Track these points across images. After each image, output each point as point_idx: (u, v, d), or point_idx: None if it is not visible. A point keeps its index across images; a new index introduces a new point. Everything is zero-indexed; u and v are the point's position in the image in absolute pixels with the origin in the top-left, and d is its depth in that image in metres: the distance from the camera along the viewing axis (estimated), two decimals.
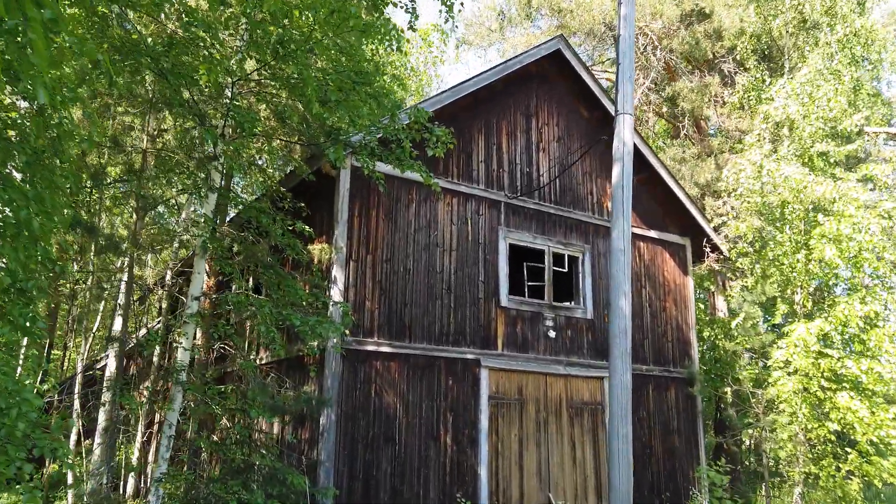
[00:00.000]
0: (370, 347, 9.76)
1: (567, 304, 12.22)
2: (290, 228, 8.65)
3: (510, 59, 11.97)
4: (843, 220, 11.29)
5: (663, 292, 13.68)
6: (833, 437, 11.41)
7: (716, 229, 14.05)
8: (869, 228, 11.34)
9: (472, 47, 22.32)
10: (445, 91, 10.82)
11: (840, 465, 11.44)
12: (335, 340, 9.33)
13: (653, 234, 13.81)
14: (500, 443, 10.74)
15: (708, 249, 13.92)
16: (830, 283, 11.81)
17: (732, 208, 13.18)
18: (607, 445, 7.90)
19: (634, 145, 13.04)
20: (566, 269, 12.40)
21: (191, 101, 7.29)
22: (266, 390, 7.97)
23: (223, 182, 7.73)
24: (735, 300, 12.72)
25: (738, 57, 15.55)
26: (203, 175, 7.65)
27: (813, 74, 12.50)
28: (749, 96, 15.41)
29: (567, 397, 11.72)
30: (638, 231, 13.58)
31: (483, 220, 11.50)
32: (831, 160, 12.88)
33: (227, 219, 10.50)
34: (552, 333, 11.71)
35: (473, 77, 11.34)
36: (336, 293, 9.51)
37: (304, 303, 7.70)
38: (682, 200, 13.67)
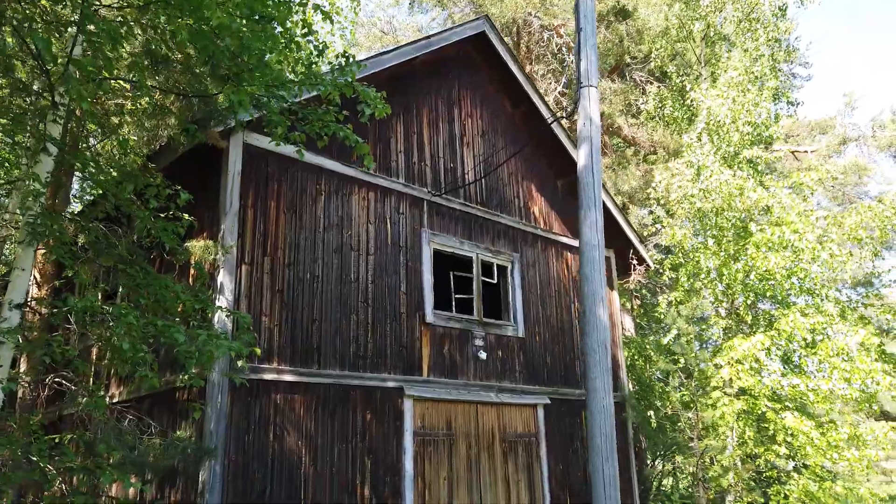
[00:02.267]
0: (269, 376, 7.50)
1: (496, 320, 10.56)
2: (165, 216, 6.30)
3: (433, 35, 10.28)
4: (786, 227, 10.57)
5: None
6: (781, 462, 10.52)
7: (641, 240, 13.08)
8: (805, 237, 10.71)
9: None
10: (364, 59, 8.89)
11: (787, 493, 10.53)
12: (221, 367, 7.01)
13: (578, 244, 12.54)
14: (426, 490, 8.75)
15: (634, 262, 12.88)
16: (767, 294, 11.02)
17: (667, 214, 12.23)
18: (591, 490, 6.22)
19: (561, 144, 11.80)
20: (495, 281, 10.76)
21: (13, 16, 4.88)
22: (124, 439, 5.52)
23: (66, 141, 5.29)
24: (668, 315, 11.67)
25: (652, 66, 14.98)
26: (32, 121, 5.20)
27: (741, 76, 11.90)
28: (664, 105, 14.83)
29: (500, 429, 9.98)
30: (564, 240, 12.27)
31: (404, 221, 9.61)
32: (758, 167, 12.32)
33: (72, 202, 7.84)
34: (483, 355, 9.97)
35: (393, 49, 9.54)
36: (223, 305, 7.19)
37: (179, 314, 5.38)
38: (609, 208, 12.56)
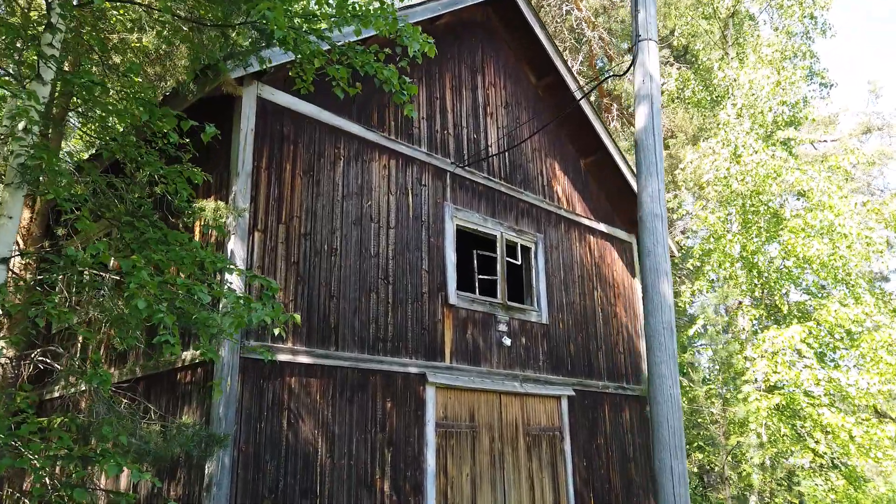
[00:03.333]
0: (283, 357, 6.69)
1: (520, 304, 9.81)
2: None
3: None
4: (828, 211, 9.92)
5: (613, 295, 11.72)
6: (822, 460, 9.89)
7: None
8: (846, 222, 10.08)
9: None
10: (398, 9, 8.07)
11: (824, 493, 9.91)
12: (230, 344, 6.20)
13: (602, 227, 11.85)
14: (449, 486, 7.99)
15: None
16: (805, 283, 10.39)
17: (696, 198, 11.55)
18: (659, 492, 5.51)
19: (587, 121, 11.08)
20: (519, 262, 10.01)
21: None
22: (123, 424, 4.69)
23: (57, 73, 4.42)
24: (699, 305, 11.00)
25: (675, 43, 14.31)
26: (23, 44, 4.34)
27: (776, 52, 11.24)
28: (686, 86, 14.16)
29: (524, 421, 9.25)
30: (587, 222, 11.55)
31: (426, 193, 8.82)
32: (792, 149, 11.69)
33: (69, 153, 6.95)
34: (507, 341, 9.22)
35: (420, 3, 8.74)
36: (235, 278, 6.37)
37: (198, 276, 4.54)
38: (633, 190, 11.85)
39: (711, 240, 10.96)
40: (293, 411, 6.71)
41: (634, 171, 12.41)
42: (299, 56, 4.89)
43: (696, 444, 12.57)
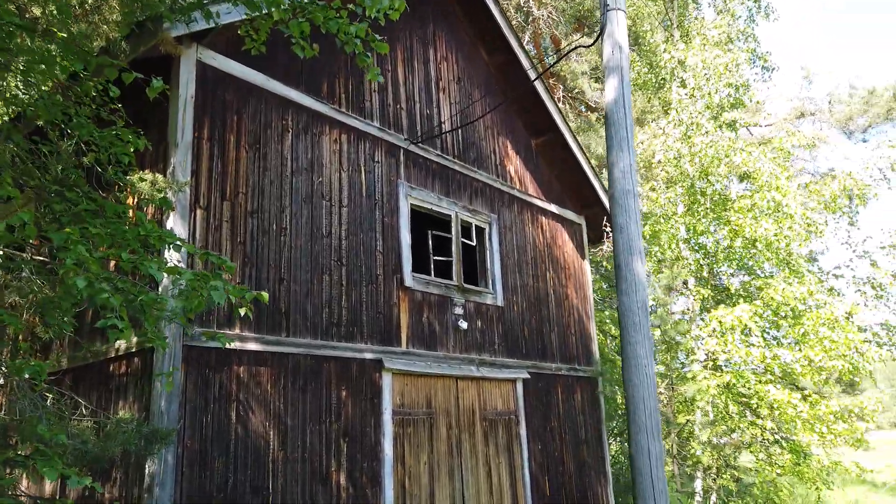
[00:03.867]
0: (230, 344, 6.16)
1: (475, 287, 9.52)
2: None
3: None
4: (776, 192, 10.06)
5: (565, 277, 11.60)
6: (769, 437, 10.09)
7: None
8: (791, 203, 10.27)
9: None
10: None
11: (772, 469, 10.13)
12: (188, 330, 5.66)
13: (553, 208, 11.69)
14: (407, 476, 7.66)
15: (608, 229, 12.15)
16: (749, 263, 10.54)
17: (644, 179, 11.52)
18: (633, 477, 5.32)
19: (539, 100, 10.86)
20: (474, 243, 9.71)
21: None
22: (56, 423, 4.10)
23: None
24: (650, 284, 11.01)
25: None
26: None
27: (722, 33, 11.31)
28: (632, 67, 14.14)
29: (480, 406, 8.99)
30: (539, 203, 11.36)
31: (380, 170, 8.38)
32: (737, 131, 11.83)
33: None
34: (464, 324, 8.92)
35: None
36: (174, 258, 5.78)
37: (140, 255, 3.97)
38: (584, 170, 11.75)
39: (662, 220, 10.99)
40: (242, 402, 6.20)
41: (585, 152, 12.29)
42: (255, 11, 4.36)
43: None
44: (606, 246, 12.05)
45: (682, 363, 11.04)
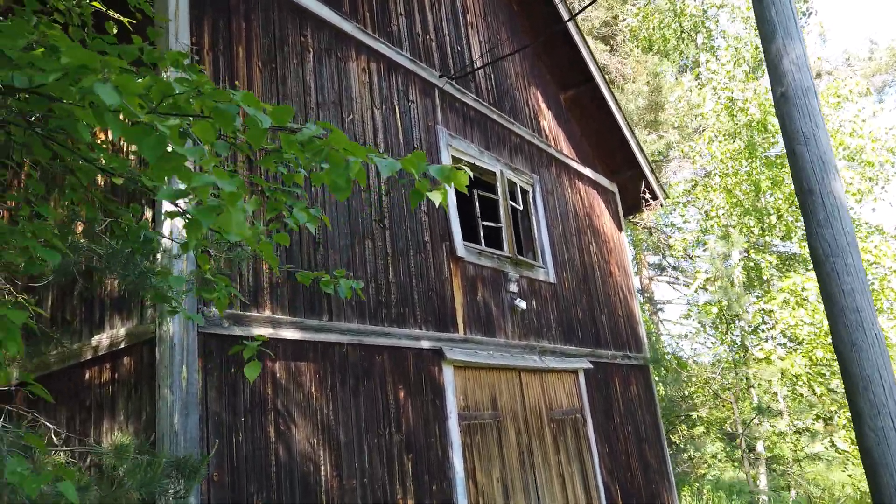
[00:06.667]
0: (261, 330, 4.31)
1: (527, 260, 7.85)
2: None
3: None
4: (851, 136, 8.77)
5: (607, 251, 10.06)
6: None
7: (652, 170, 10.86)
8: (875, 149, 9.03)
9: None
10: None
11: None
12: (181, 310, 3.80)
13: (588, 172, 10.15)
14: (480, 497, 5.90)
15: (648, 196, 10.68)
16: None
17: (689, 139, 10.10)
18: (871, 474, 3.74)
19: (572, 44, 9.35)
20: (521, 206, 8.05)
21: None
22: (32, 454, 2.27)
23: None
24: (707, 255, 9.56)
25: None
26: None
27: None
28: (650, 20, 12.79)
29: (546, 404, 7.31)
30: (575, 166, 9.80)
31: (415, 112, 6.64)
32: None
33: None
34: (522, 304, 7.23)
35: None
36: (167, 227, 3.93)
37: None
38: (621, 128, 10.25)
39: (716, 177, 9.56)
40: (282, 413, 4.36)
41: (621, 108, 10.77)
42: None
43: (691, 415, 11.20)
44: (646, 214, 10.57)
45: (746, 341, 9.59)
